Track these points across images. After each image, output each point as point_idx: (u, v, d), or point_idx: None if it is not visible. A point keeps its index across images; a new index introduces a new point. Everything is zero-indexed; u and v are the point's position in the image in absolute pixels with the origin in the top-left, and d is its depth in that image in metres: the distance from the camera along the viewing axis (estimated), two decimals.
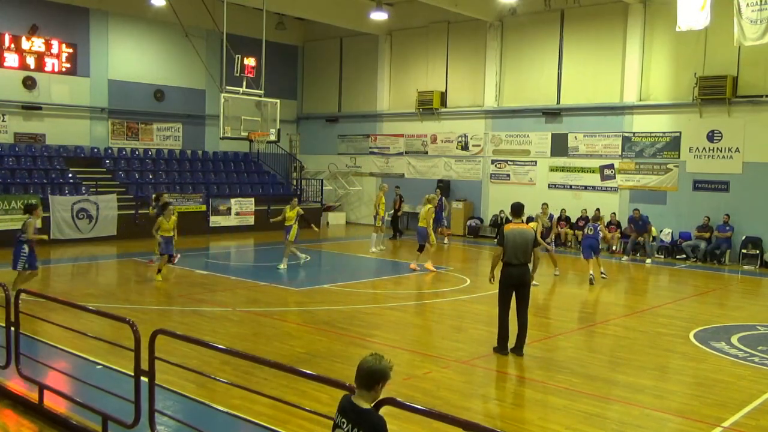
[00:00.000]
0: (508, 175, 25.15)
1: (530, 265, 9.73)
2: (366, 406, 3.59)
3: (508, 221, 13.21)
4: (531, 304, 9.36)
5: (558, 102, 24.05)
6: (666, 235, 21.65)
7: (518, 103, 24.88)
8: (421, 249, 16.94)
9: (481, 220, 25.97)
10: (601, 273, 16.64)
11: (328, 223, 27.80)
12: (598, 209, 18.89)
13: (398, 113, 27.96)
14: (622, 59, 22.55)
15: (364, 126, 29.13)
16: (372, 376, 3.56)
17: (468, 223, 25.98)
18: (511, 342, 9.55)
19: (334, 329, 10.41)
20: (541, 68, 24.32)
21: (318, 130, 30.54)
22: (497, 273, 9.71)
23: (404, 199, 25.02)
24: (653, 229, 21.78)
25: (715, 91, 20.45)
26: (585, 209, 22.58)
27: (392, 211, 24.24)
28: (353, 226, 28.27)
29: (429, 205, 16.89)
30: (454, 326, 11.33)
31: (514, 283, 9.34)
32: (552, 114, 24.06)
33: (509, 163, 25.11)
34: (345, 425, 3.55)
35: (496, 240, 9.66)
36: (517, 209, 9.58)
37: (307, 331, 10.45)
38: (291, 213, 16.00)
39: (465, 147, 26.28)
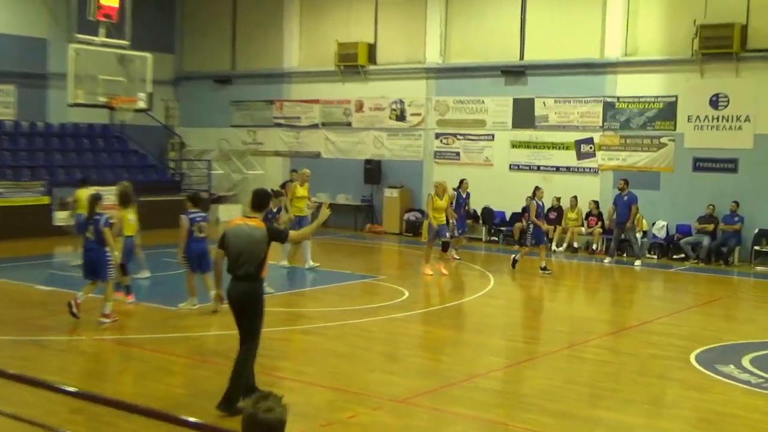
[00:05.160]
0: (457, 154, 25.46)
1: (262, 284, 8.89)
2: None
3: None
4: (477, 321, 9.38)
5: (521, 58, 24.27)
6: (660, 230, 22.13)
7: (470, 59, 25.04)
8: (445, 248, 18.46)
9: (423, 213, 26.20)
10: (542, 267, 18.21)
11: (218, 219, 27.38)
12: (536, 187, 18.94)
13: (312, 72, 27.92)
14: (603, 3, 22.86)
15: (267, 89, 28.99)
16: None
17: (405, 217, 26.02)
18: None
19: (228, 361, 9.88)
20: (499, 14, 24.51)
21: (204, 94, 30.28)
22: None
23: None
24: (644, 221, 22.35)
25: (719, 44, 20.84)
26: (558, 198, 23.00)
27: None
28: None
29: (445, 196, 18.32)
30: (388, 354, 11.41)
31: (233, 308, 8.60)
32: (513, 73, 24.25)
33: (459, 137, 25.39)
34: None
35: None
36: (259, 199, 8.95)
37: (191, 364, 10.43)
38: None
39: (401, 117, 26.47)
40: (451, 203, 19.50)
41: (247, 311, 8.49)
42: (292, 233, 9.88)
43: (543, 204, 19.41)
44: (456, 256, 20.19)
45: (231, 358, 10.58)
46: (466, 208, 21.23)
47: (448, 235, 18.36)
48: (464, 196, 20.65)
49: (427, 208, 18.60)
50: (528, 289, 17.51)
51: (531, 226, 18.67)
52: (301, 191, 18.44)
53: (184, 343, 11.47)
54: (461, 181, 20.93)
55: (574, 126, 23.54)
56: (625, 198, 20.94)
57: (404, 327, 12.99)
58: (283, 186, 19.63)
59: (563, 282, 18.69)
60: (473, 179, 22.33)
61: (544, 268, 18.40)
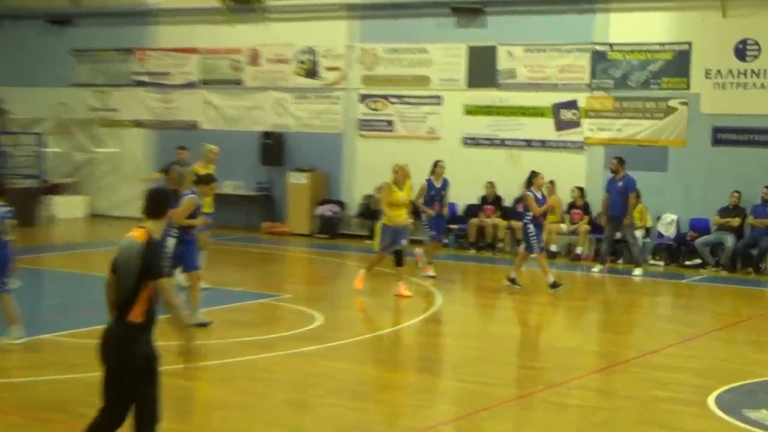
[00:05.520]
0: (390, 123, 26.02)
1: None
2: None
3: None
4: (418, 356, 9.28)
5: None
6: (668, 226, 22.67)
7: None
8: (399, 260, 17.87)
9: (342, 206, 26.51)
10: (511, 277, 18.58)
11: (54, 215, 27.40)
12: (533, 173, 19.05)
13: (186, 9, 28.08)
14: None
15: (122, 34, 29.15)
16: None
17: (318, 211, 26.14)
18: None
19: (69, 417, 10.01)
20: None
21: (32, 40, 30.34)
22: None
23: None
24: (647, 215, 22.69)
25: None
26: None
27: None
28: (105, 221, 28.37)
29: (407, 184, 18.12)
30: (295, 402, 11.35)
31: (104, 361, 7.93)
32: (468, 11, 24.68)
33: (392, 100, 25.95)
34: None
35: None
36: (154, 201, 8.08)
37: (18, 425, 10.19)
38: None
39: (312, 72, 26.92)
40: (424, 197, 19.59)
41: (115, 374, 7.75)
42: (165, 285, 7.93)
43: (544, 196, 19.25)
44: (430, 272, 19.89)
45: (74, 412, 10.41)
46: (443, 201, 20.58)
47: (404, 242, 17.94)
48: (439, 185, 20.27)
49: (382, 203, 18.30)
50: (488, 310, 17.66)
51: (530, 226, 18.49)
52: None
53: (7, 393, 11.18)
54: (435, 164, 20.32)
55: (552, 84, 24.05)
56: (620, 183, 21.20)
57: (317, 365, 12.88)
58: (167, 170, 19.43)
59: (537, 299, 18.66)
60: (412, 158, 22.34)
61: (512, 280, 18.63)
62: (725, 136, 22.38)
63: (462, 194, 24.24)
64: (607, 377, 12.82)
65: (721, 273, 21.28)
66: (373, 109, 26.21)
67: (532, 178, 18.83)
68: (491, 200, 24.40)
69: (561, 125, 24.00)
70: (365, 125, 26.29)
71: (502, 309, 18.06)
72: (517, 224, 21.69)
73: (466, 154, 24.71)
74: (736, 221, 21.73)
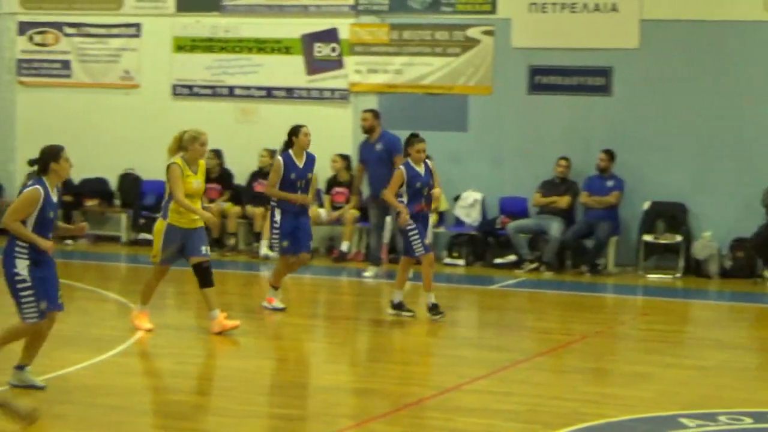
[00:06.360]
0: (66, 65, 26.31)
1: None
2: None
3: None
4: (105, 405, 9.03)
5: None
6: (469, 209, 23.33)
7: None
8: (205, 280, 17.28)
9: None
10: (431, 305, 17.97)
11: None
12: (413, 135, 18.63)
13: None
14: None
15: None
16: None
17: None
18: None
19: None
20: None
21: None
22: None
23: None
24: (441, 197, 22.26)
25: None
26: (272, 152, 22.75)
27: None
28: None
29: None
30: None
31: None
32: None
33: (67, 30, 26.23)
34: None
35: None
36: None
37: None
38: None
39: None
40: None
41: None
42: None
43: (429, 170, 18.24)
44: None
45: None
46: (309, 188, 19.23)
47: (204, 250, 16.97)
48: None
49: (174, 193, 16.68)
50: (217, 337, 17.32)
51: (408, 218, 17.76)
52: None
53: None
54: (295, 131, 18.68)
55: (300, 6, 24.35)
56: (378, 146, 21.26)
57: None
58: None
59: (290, 320, 18.64)
60: (96, 117, 22.32)
61: (433, 307, 17.89)
62: (547, 79, 22.83)
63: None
64: (390, 428, 12.21)
65: (545, 274, 21.66)
66: (40, 44, 25.87)
67: (410, 144, 18.01)
68: (215, 176, 24.16)
69: (315, 66, 24.10)
70: (26, 68, 26.04)
71: (241, 334, 17.12)
72: (256, 210, 21.56)
73: (176, 109, 24.78)
74: (564, 200, 22.13)
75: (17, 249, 12.71)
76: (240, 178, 24.07)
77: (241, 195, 23.92)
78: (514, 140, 22.71)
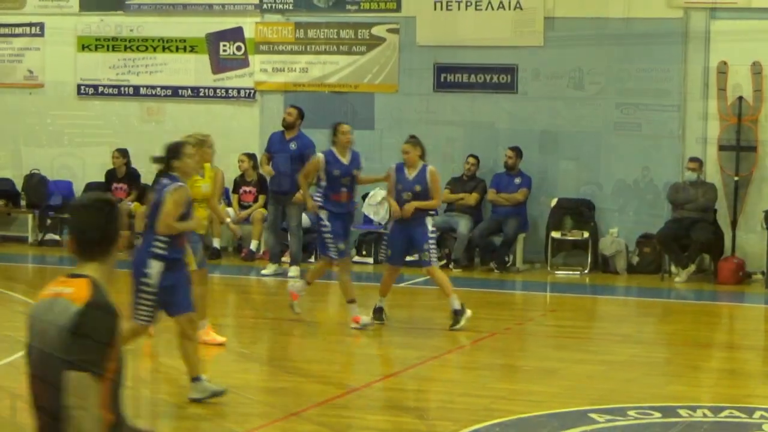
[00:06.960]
0: None
1: None
2: None
3: None
4: None
5: None
6: (376, 208, 23.64)
7: None
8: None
9: None
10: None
11: None
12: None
13: None
14: None
15: None
16: None
17: None
18: None
19: None
20: None
21: None
22: None
23: None
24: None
25: None
26: (248, 155, 23.74)
27: None
28: None
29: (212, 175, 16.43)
30: None
31: None
32: None
33: None
34: None
35: None
36: (81, 227, 7.11)
37: None
38: None
39: None
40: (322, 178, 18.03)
41: None
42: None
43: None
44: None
45: None
46: (353, 186, 18.98)
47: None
48: (347, 160, 18.56)
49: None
50: None
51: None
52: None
53: None
54: (336, 129, 18.67)
55: (205, 6, 24.61)
56: (293, 145, 21.54)
57: None
58: None
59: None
60: (0, 117, 22.05)
61: (378, 311, 18.21)
62: (453, 76, 22.97)
63: (77, 169, 25.37)
64: (300, 426, 12.65)
65: (454, 271, 21.65)
66: None
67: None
68: (122, 176, 24.27)
69: (220, 65, 24.19)
70: None
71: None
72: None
73: (82, 108, 25.07)
74: (472, 198, 22.36)
75: None
76: (146, 178, 23.74)
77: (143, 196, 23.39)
78: (422, 138, 22.60)
